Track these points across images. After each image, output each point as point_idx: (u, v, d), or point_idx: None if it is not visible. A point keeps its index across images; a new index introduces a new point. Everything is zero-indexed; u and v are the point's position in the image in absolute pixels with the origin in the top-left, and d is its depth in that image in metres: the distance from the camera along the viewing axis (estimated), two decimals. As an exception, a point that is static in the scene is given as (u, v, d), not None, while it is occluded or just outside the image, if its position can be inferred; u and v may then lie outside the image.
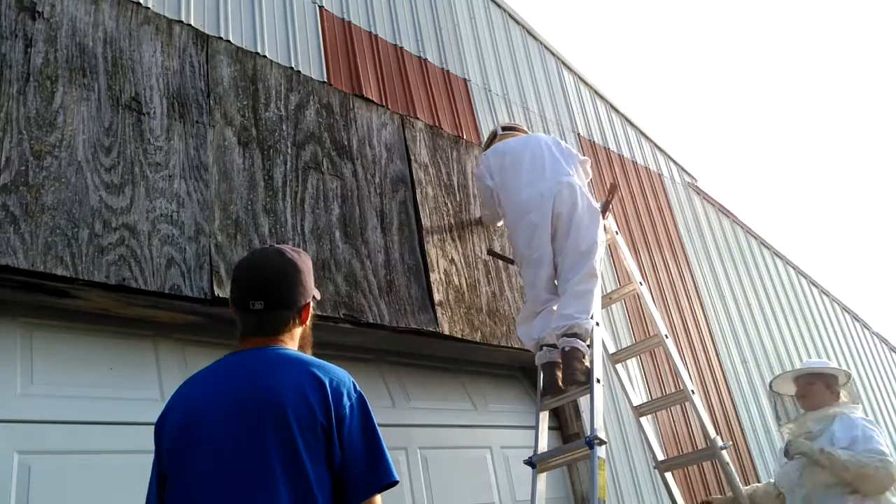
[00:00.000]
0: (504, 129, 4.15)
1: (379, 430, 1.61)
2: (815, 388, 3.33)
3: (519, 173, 3.70)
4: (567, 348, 3.28)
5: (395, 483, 1.57)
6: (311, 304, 1.80)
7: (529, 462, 3.28)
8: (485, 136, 4.79)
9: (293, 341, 1.75)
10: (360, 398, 1.62)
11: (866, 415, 7.46)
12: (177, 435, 1.57)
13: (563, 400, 3.47)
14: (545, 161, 3.71)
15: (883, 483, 2.92)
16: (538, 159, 3.72)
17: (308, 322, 1.80)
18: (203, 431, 1.54)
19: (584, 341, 3.31)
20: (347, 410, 1.56)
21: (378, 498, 1.56)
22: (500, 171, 3.79)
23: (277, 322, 1.71)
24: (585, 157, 4.00)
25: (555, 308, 3.48)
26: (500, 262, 4.17)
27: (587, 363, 3.28)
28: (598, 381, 3.23)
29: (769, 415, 5.96)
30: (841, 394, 3.33)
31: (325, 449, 1.51)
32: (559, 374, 3.34)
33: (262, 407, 1.52)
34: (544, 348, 3.43)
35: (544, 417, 3.42)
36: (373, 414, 1.62)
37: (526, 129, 4.27)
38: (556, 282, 3.57)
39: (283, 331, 1.72)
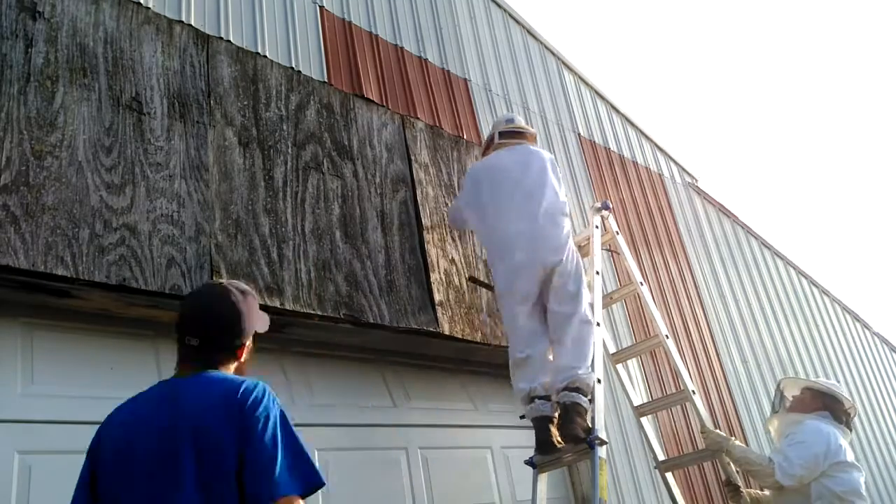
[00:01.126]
0: (502, 134, 3.80)
1: (296, 437, 1.68)
2: (803, 396, 3.57)
3: (509, 199, 3.42)
4: (567, 402, 3.02)
5: (303, 494, 1.61)
6: (249, 342, 1.90)
7: (530, 462, 3.27)
8: (485, 136, 4.79)
9: (227, 372, 1.84)
10: (273, 410, 1.68)
11: (868, 417, 7.48)
12: (112, 460, 1.68)
13: (561, 463, 3.23)
14: (537, 190, 3.43)
15: (765, 482, 3.32)
16: (530, 188, 3.44)
17: (244, 357, 1.90)
18: (133, 457, 1.65)
19: (586, 395, 3.06)
20: (256, 421, 1.63)
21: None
22: (490, 188, 3.50)
23: (210, 358, 1.81)
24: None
25: (550, 357, 3.27)
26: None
27: (588, 421, 3.01)
28: (599, 381, 3.22)
29: (769, 414, 5.96)
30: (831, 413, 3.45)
31: (236, 460, 1.59)
32: (554, 430, 3.07)
33: (180, 431, 1.62)
34: (536, 401, 3.16)
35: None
36: (289, 421, 1.69)
37: (526, 127, 3.96)
38: (544, 327, 3.33)
39: (217, 365, 1.82)
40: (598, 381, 3.22)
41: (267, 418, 1.64)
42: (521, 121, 3.98)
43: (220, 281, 1.95)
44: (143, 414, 1.71)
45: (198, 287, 1.98)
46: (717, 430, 3.54)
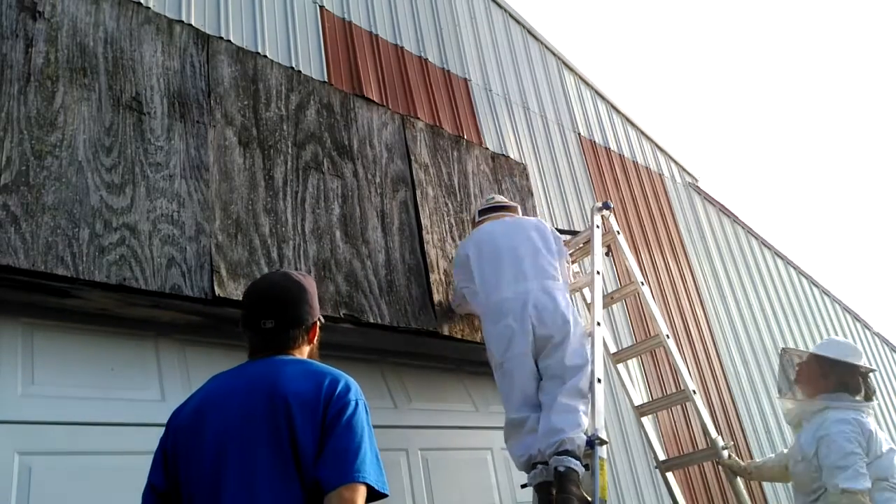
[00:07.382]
0: (482, 212, 3.74)
1: (372, 436, 1.68)
2: (811, 369, 3.16)
3: (499, 271, 3.33)
4: (561, 468, 2.86)
5: (367, 484, 1.58)
6: (318, 323, 1.90)
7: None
8: (485, 136, 4.80)
9: (301, 357, 1.84)
10: (361, 403, 1.70)
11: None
12: (191, 418, 1.71)
13: None
14: (528, 257, 3.36)
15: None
16: (520, 255, 3.36)
17: (315, 341, 1.90)
18: (213, 417, 1.67)
19: (579, 459, 2.90)
20: (344, 409, 1.64)
21: (351, 493, 1.55)
22: (478, 263, 3.40)
23: (287, 339, 1.80)
24: (565, 248, 3.64)
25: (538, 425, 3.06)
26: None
27: (584, 491, 2.84)
28: (599, 380, 3.22)
29: (769, 414, 5.96)
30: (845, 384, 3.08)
31: (317, 439, 1.60)
32: (555, 495, 2.90)
33: (262, 395, 1.64)
34: (538, 466, 3.00)
35: None
36: (368, 418, 1.69)
37: (508, 201, 3.87)
38: (539, 396, 3.16)
39: (293, 347, 1.81)
40: (599, 380, 3.21)
41: (356, 409, 1.65)
42: (502, 198, 3.89)
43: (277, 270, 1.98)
44: (230, 388, 1.71)
45: (255, 279, 2.01)
46: (736, 459, 3.44)
